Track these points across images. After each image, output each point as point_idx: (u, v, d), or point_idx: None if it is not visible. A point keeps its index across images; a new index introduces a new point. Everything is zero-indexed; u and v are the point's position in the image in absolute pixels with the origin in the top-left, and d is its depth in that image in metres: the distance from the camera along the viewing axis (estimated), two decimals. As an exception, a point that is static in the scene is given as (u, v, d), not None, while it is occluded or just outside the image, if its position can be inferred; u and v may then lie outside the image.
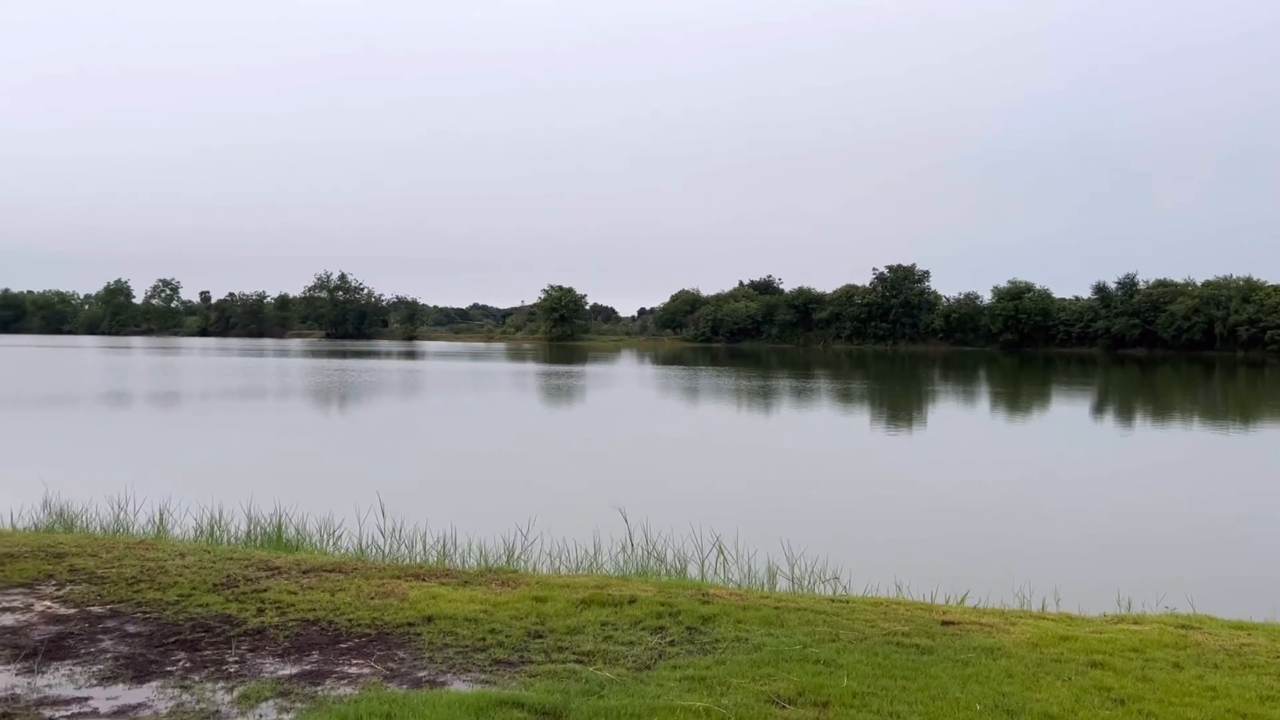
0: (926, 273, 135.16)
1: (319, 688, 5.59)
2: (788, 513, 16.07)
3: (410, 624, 6.84)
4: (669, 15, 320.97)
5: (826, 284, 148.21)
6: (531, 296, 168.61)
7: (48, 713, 5.17)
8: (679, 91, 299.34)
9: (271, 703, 5.34)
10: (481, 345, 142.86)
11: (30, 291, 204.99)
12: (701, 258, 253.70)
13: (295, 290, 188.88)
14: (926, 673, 5.94)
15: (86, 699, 5.39)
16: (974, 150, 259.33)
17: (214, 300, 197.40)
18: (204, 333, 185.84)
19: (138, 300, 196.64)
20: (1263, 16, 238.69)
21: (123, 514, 12.15)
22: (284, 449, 25.51)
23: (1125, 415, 39.60)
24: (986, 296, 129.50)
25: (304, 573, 8.35)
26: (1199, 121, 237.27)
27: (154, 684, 5.63)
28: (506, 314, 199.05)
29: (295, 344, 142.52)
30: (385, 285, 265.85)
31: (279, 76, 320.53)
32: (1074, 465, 24.21)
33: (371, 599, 7.49)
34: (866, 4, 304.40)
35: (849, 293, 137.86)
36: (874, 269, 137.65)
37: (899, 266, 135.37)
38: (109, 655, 6.11)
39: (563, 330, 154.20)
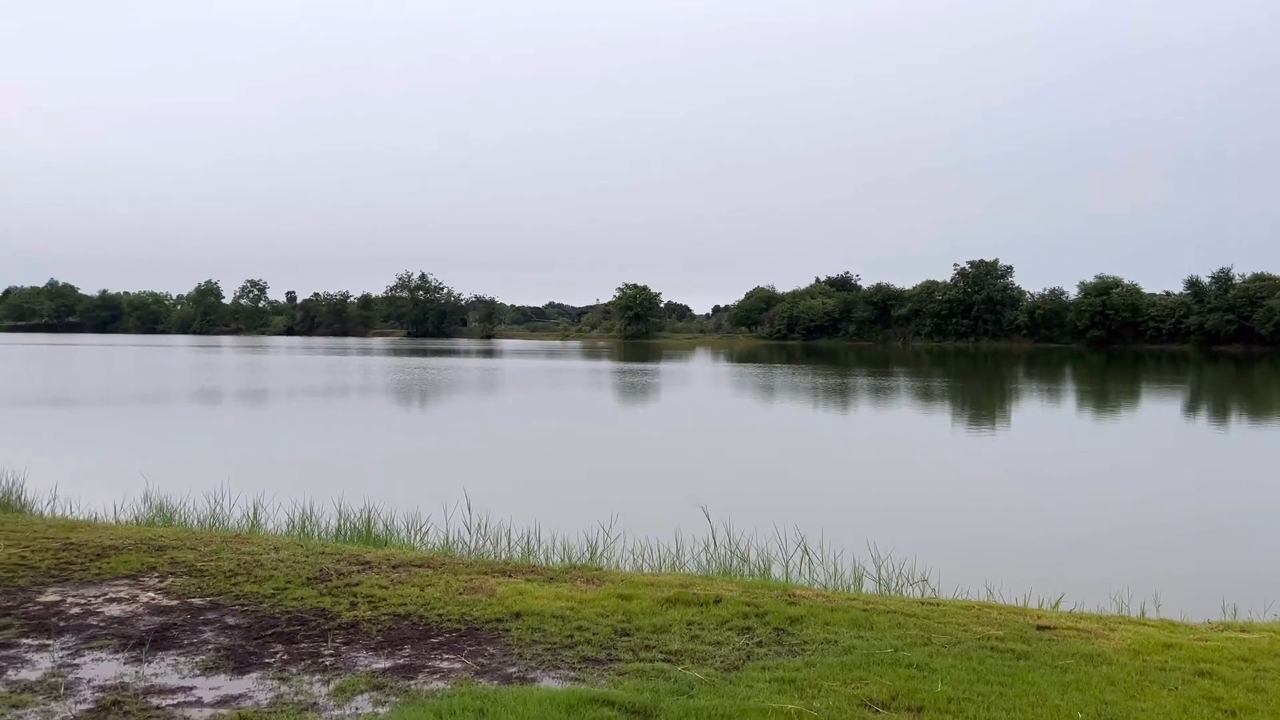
0: (1010, 268, 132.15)
1: (412, 682, 5.68)
2: (872, 513, 15.84)
3: (499, 620, 6.91)
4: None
5: (905, 280, 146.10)
6: (606, 295, 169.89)
7: (155, 701, 5.34)
8: (765, 82, 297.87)
9: (366, 696, 5.44)
10: (557, 343, 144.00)
11: (126, 293, 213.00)
12: (777, 254, 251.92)
13: (377, 290, 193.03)
14: (1024, 679, 5.79)
15: (191, 688, 5.55)
16: (1060, 140, 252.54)
17: (299, 300, 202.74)
18: (290, 332, 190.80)
19: (227, 300, 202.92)
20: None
21: (219, 508, 12.51)
22: (371, 445, 26.04)
23: (1221, 414, 38.16)
24: (1072, 292, 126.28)
25: (394, 567, 8.50)
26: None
27: (254, 675, 5.78)
28: (581, 312, 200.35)
29: (377, 342, 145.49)
30: (463, 284, 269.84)
31: (363, 81, 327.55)
32: (1169, 466, 23.41)
33: (460, 594, 7.58)
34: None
35: (929, 289, 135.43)
36: (955, 264, 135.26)
37: (981, 262, 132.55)
38: (210, 646, 6.29)
39: (637, 328, 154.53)
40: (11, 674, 5.73)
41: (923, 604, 7.89)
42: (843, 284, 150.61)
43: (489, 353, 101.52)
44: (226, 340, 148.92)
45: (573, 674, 5.84)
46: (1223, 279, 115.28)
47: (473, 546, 10.86)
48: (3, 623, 6.67)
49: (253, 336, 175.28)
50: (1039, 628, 7.09)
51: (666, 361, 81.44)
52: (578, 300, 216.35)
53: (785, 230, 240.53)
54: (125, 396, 40.63)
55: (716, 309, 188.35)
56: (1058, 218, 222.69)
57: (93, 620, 6.82)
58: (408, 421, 33.74)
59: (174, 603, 7.28)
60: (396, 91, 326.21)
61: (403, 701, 5.33)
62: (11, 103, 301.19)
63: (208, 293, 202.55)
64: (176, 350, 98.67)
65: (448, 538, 11.27)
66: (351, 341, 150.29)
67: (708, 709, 5.18)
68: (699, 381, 57.35)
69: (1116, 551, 13.57)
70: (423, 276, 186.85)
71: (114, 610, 7.08)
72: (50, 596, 7.39)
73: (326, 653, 6.19)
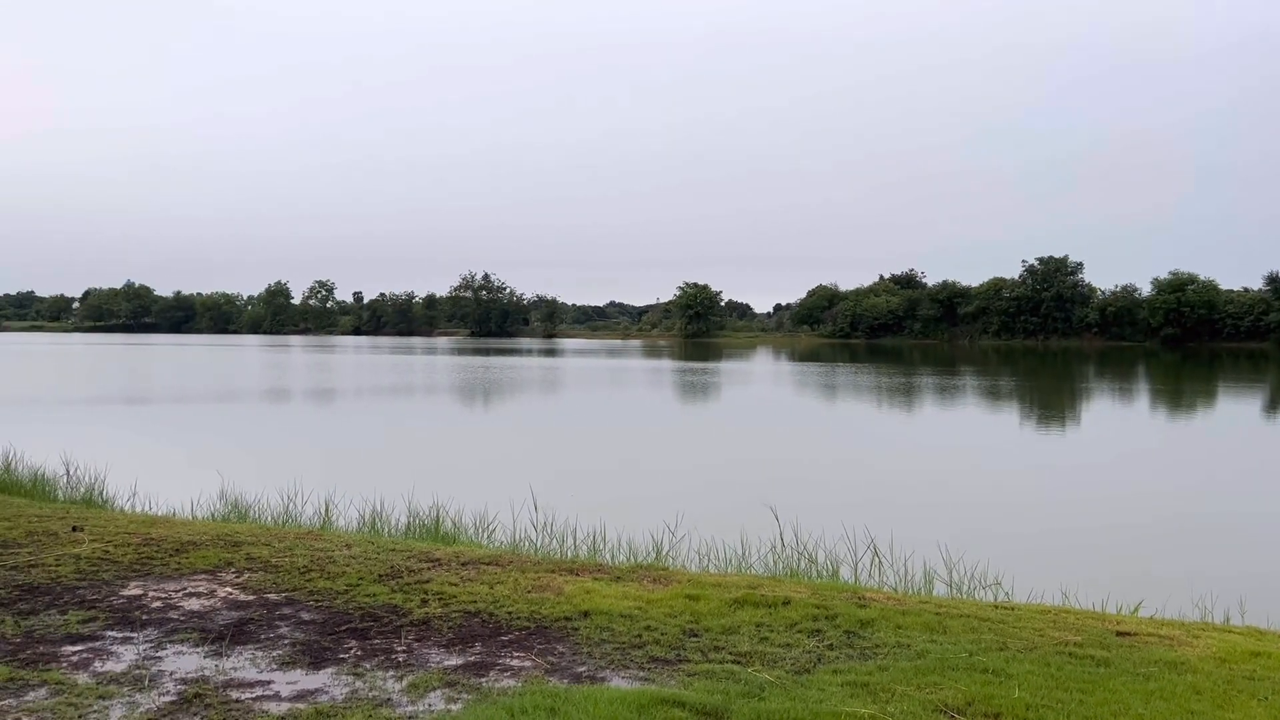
0: (1080, 264, 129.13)
1: (483, 679, 5.72)
2: (942, 514, 15.59)
3: (567, 618, 6.93)
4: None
5: (971, 278, 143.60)
6: (666, 294, 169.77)
7: (234, 694, 5.45)
8: (823, 77, 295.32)
9: (439, 693, 5.49)
10: (618, 342, 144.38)
11: (200, 294, 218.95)
12: (839, 252, 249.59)
13: (441, 290, 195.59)
14: (1104, 686, 5.63)
15: (268, 682, 5.66)
16: (1128, 135, 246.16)
17: (366, 300, 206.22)
18: (357, 331, 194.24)
19: (296, 301, 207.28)
20: None
21: (291, 505, 12.75)
22: (439, 443, 26.37)
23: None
24: (1145, 289, 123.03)
25: (463, 565, 8.58)
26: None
27: (329, 670, 5.87)
28: (642, 311, 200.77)
29: (442, 342, 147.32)
30: (526, 284, 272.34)
31: (435, 89, 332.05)
32: (1247, 466, 22.66)
33: (529, 592, 7.62)
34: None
35: (996, 286, 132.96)
36: (1023, 261, 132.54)
37: (1050, 258, 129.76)
38: (286, 641, 6.41)
39: (697, 327, 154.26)
40: (98, 665, 5.90)
41: (996, 608, 7.73)
42: (907, 281, 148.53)
43: (550, 352, 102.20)
44: (295, 340, 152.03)
45: (642, 674, 5.83)
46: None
47: (539, 544, 10.92)
48: (89, 615, 6.88)
49: (321, 336, 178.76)
50: (1119, 634, 6.90)
51: (727, 360, 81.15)
52: (638, 299, 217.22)
53: (848, 228, 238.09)
54: (200, 395, 41.69)
55: (778, 307, 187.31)
56: (1128, 212, 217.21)
57: (173, 614, 6.99)
58: (473, 420, 34.09)
59: (250, 598, 7.44)
60: (464, 96, 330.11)
61: (475, 699, 5.37)
62: (91, 121, 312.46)
63: (277, 293, 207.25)
64: (248, 349, 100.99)
65: (515, 535, 11.35)
66: (417, 341, 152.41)
67: (779, 712, 5.13)
68: (761, 380, 57.04)
69: (1196, 555, 13.18)
70: (486, 277, 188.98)
71: (193, 604, 7.25)
72: (133, 590, 7.60)
73: (399, 649, 6.26)
